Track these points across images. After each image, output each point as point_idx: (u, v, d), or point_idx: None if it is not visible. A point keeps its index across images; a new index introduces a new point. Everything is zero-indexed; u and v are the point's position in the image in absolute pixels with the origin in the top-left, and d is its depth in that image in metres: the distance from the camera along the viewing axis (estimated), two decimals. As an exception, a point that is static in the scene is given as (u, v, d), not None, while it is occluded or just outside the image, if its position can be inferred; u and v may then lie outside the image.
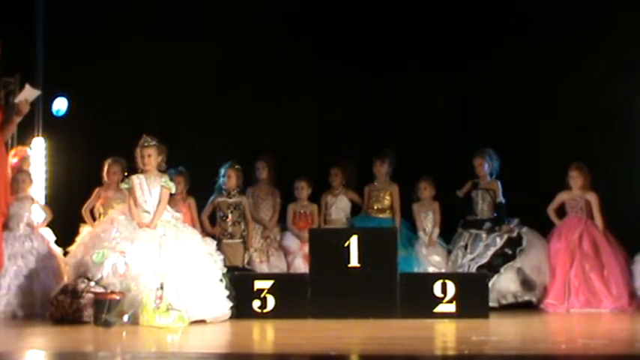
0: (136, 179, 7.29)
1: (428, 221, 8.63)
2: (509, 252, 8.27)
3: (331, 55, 8.93)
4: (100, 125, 8.85)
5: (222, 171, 8.44)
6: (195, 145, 8.65)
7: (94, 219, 8.11)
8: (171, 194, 7.39)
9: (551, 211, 8.50)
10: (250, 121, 9.07)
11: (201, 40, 8.94)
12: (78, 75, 8.86)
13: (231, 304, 7.14)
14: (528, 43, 8.84)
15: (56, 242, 7.98)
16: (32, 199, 8.02)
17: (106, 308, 6.49)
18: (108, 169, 8.15)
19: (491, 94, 8.82)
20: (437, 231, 8.59)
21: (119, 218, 7.18)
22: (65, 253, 7.65)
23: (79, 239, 7.60)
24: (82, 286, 6.77)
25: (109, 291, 6.69)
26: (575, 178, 8.39)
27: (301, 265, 8.35)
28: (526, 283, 8.26)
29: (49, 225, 8.08)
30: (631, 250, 8.23)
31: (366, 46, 9.01)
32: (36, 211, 8.06)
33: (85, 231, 7.80)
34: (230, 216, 8.36)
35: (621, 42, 8.58)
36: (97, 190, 8.18)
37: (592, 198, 8.37)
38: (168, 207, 7.34)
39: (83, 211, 8.15)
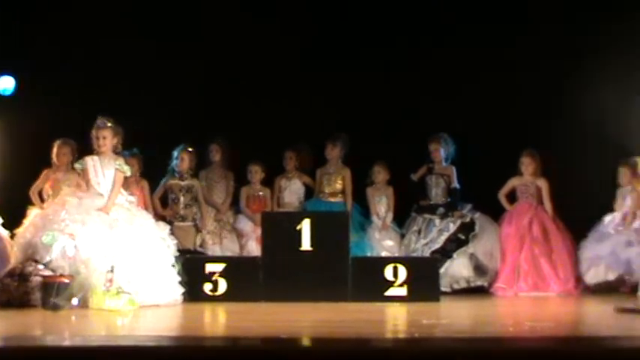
0: (90, 161, 7.21)
1: (381, 205, 8.66)
2: (463, 237, 8.34)
3: (286, 38, 8.88)
4: (48, 105, 8.69)
5: (175, 153, 8.40)
6: (148, 126, 8.54)
7: (43, 201, 7.99)
8: (125, 177, 7.32)
9: (502, 196, 8.60)
10: (204, 104, 8.99)
11: (151, 16, 8.80)
12: (25, 53, 8.69)
13: (182, 289, 7.10)
14: (480, 30, 8.87)
15: (2, 225, 7.83)
16: (-22, 181, 7.89)
17: (55, 291, 6.41)
18: (57, 150, 8.02)
19: (446, 79, 8.84)
20: (390, 215, 8.63)
21: (70, 200, 7.09)
22: (12, 236, 7.53)
23: (26, 221, 7.48)
24: (29, 269, 6.67)
25: (57, 274, 6.61)
26: (527, 165, 8.50)
27: (254, 248, 8.34)
28: (479, 269, 8.34)
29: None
30: (577, 237, 8.39)
31: (321, 29, 8.97)
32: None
33: (32, 213, 7.67)
34: (182, 199, 8.33)
35: (575, 35, 8.68)
36: (45, 171, 8.04)
37: (542, 184, 8.50)
38: (122, 190, 7.28)
39: (31, 193, 8.01)
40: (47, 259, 6.72)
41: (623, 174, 8.41)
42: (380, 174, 8.66)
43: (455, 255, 8.28)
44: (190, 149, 8.40)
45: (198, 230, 8.33)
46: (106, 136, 7.20)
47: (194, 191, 8.37)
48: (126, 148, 7.68)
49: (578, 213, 8.40)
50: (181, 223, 8.25)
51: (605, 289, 8.16)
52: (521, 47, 8.75)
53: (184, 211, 8.32)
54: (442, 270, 7.95)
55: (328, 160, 8.70)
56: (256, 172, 8.68)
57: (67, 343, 4.84)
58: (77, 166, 7.29)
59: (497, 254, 8.36)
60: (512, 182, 8.61)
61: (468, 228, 8.39)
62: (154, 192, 8.39)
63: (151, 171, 8.46)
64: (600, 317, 6.34)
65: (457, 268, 8.29)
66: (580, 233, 8.41)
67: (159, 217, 7.87)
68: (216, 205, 8.60)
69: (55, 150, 8.02)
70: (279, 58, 8.88)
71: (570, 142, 8.74)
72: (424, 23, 8.94)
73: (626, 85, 8.54)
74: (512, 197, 8.65)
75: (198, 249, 8.25)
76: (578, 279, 8.28)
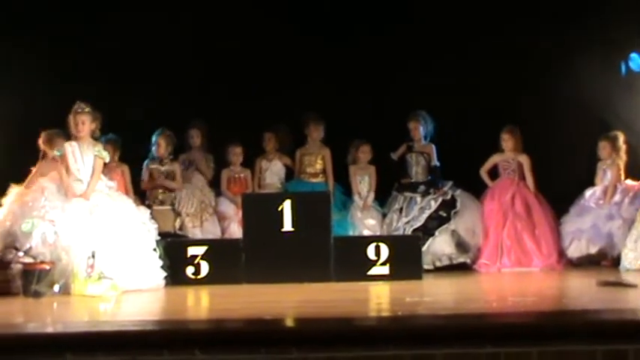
0: (69, 147, 7.13)
1: (364, 185, 8.64)
2: (444, 214, 8.35)
3: (264, 19, 8.81)
4: (25, 91, 8.57)
5: (154, 138, 8.36)
6: (126, 110, 8.45)
7: None
8: (104, 163, 7.26)
9: (483, 172, 8.63)
10: (182, 87, 8.92)
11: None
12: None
13: (164, 273, 7.07)
14: (459, 7, 8.84)
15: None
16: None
17: (36, 279, 6.38)
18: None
19: (426, 56, 8.82)
20: (372, 195, 8.61)
21: (49, 187, 7.02)
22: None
23: (5, 202, 7.32)
24: (9, 256, 6.62)
25: (38, 261, 6.56)
26: (507, 141, 8.53)
27: (237, 231, 8.29)
28: (460, 245, 8.36)
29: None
30: (559, 212, 8.42)
31: (301, 7, 8.91)
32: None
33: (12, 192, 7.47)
34: (161, 183, 8.33)
35: (555, 9, 8.68)
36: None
37: (524, 160, 8.52)
38: (102, 176, 7.22)
39: None
40: (27, 246, 6.66)
41: (603, 148, 8.44)
42: (363, 154, 8.63)
43: (437, 232, 8.29)
44: (168, 133, 8.36)
45: (176, 214, 8.29)
46: (84, 121, 7.13)
47: (173, 175, 8.35)
48: (103, 133, 7.61)
49: (560, 188, 8.43)
50: (160, 207, 8.21)
51: (587, 263, 8.21)
52: (500, 23, 8.72)
53: (162, 195, 8.30)
54: (424, 248, 7.96)
55: (308, 140, 8.68)
56: (236, 154, 8.64)
57: (49, 330, 4.81)
58: (56, 152, 7.20)
59: (478, 231, 8.39)
60: (494, 159, 8.63)
61: (449, 205, 8.40)
62: (135, 176, 8.34)
63: (130, 155, 8.39)
64: (583, 291, 6.38)
65: (439, 246, 8.30)
66: (562, 208, 8.44)
67: (141, 203, 7.84)
68: (205, 173, 8.51)
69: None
70: (257, 38, 8.81)
71: (551, 117, 8.75)
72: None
73: (606, 59, 8.56)
74: (494, 174, 8.67)
75: (178, 232, 8.22)
76: (561, 253, 8.32)
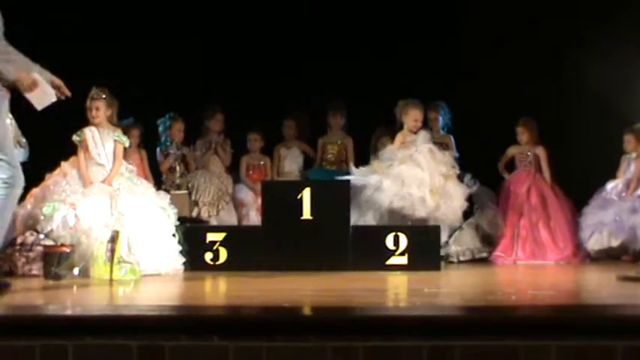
0: (88, 132, 7.16)
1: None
2: (467, 209, 8.32)
3: (286, 3, 8.81)
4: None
5: (168, 123, 8.41)
6: (138, 94, 8.46)
7: None
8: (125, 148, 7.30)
9: (501, 165, 8.61)
10: (200, 71, 8.92)
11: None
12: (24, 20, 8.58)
13: (183, 259, 7.10)
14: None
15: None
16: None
17: (56, 261, 6.41)
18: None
19: (443, 46, 8.78)
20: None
21: (71, 172, 7.06)
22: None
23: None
24: (31, 239, 6.67)
25: (58, 244, 6.60)
26: (520, 134, 8.52)
27: (255, 218, 8.33)
28: (486, 239, 8.34)
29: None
30: (580, 205, 8.38)
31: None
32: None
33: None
34: (178, 167, 8.38)
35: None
36: None
37: (541, 152, 8.49)
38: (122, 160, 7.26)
39: None
40: (48, 229, 6.71)
41: (628, 141, 8.39)
42: (382, 144, 8.59)
43: (464, 226, 8.25)
44: (179, 118, 8.41)
45: (194, 202, 8.32)
46: (99, 108, 7.15)
47: (187, 159, 8.44)
48: (123, 117, 7.63)
49: (580, 180, 8.38)
50: (176, 192, 8.26)
51: (605, 257, 8.16)
52: (519, 10, 8.66)
53: (180, 179, 8.34)
54: (451, 240, 7.96)
55: (330, 128, 8.66)
56: (255, 141, 8.64)
57: (68, 312, 4.84)
58: (75, 137, 7.22)
59: (501, 223, 8.34)
60: (511, 151, 8.62)
61: (469, 199, 8.36)
62: (153, 161, 8.39)
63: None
64: (602, 285, 6.34)
65: (465, 239, 8.26)
66: (582, 201, 8.39)
67: (160, 188, 7.88)
68: (223, 158, 8.53)
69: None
70: (280, 27, 8.80)
71: (572, 110, 8.69)
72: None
73: (629, 50, 8.48)
74: (513, 166, 8.63)
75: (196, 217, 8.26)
76: (578, 247, 8.28)
